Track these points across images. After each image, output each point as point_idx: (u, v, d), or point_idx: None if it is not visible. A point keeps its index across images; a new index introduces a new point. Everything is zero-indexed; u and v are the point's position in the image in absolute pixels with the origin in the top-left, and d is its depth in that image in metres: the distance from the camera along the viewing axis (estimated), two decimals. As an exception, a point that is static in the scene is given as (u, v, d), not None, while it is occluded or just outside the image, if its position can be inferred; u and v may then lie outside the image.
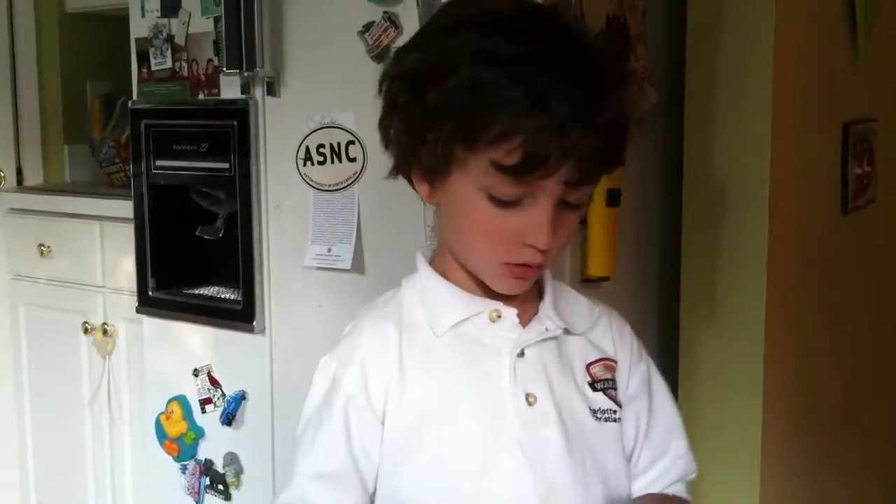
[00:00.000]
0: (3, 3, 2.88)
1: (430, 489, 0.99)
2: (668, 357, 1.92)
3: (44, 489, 2.69)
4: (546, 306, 1.04)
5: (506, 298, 1.02)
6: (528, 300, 1.04)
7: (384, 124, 1.00)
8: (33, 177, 2.93)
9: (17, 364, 2.68)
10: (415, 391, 1.00)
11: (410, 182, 1.02)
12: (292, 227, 1.82)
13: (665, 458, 1.11)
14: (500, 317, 1.02)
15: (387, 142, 1.00)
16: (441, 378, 1.01)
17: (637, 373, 1.10)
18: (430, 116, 0.93)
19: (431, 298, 1.03)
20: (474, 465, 0.99)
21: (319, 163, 1.75)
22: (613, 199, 1.64)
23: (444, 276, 1.04)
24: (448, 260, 1.04)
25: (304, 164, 1.78)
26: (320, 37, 1.74)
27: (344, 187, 1.73)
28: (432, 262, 1.06)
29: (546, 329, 1.03)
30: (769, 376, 1.81)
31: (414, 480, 1.00)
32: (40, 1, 2.90)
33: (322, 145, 1.74)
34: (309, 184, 1.78)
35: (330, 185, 1.75)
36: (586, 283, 1.68)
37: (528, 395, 1.00)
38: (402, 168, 1.01)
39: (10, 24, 2.90)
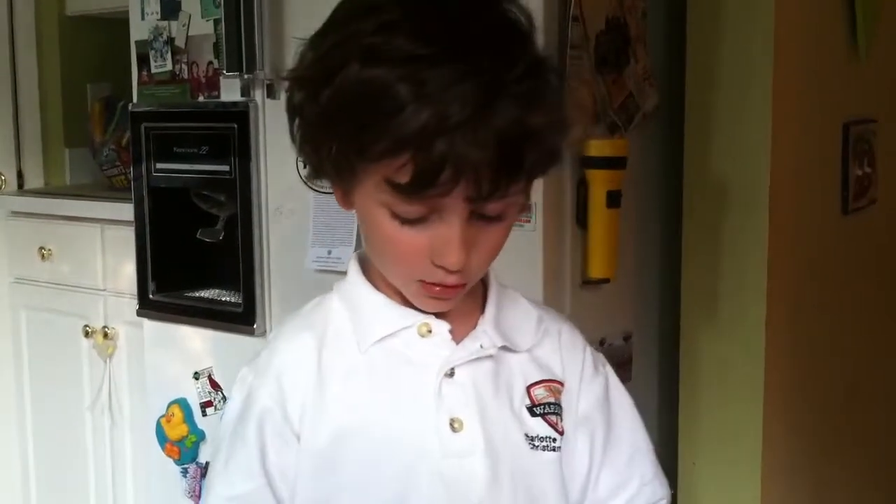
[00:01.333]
0: (3, 6, 2.88)
1: None
2: (668, 358, 1.92)
3: (45, 492, 2.69)
4: (485, 321, 0.95)
5: (437, 312, 0.93)
6: (466, 313, 0.95)
7: (291, 126, 0.92)
8: (34, 180, 2.93)
9: (18, 367, 2.69)
10: (332, 410, 0.92)
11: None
12: (292, 229, 1.82)
13: (631, 484, 1.01)
14: (430, 332, 0.93)
15: (297, 146, 0.92)
16: (361, 397, 0.92)
17: (590, 391, 1.00)
18: (323, 124, 0.86)
19: (358, 309, 0.95)
20: (390, 493, 0.91)
21: (319, 165, 1.75)
22: (613, 200, 1.64)
23: (375, 282, 0.95)
24: (375, 268, 0.95)
25: (305, 167, 1.77)
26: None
27: (344, 189, 1.73)
28: (364, 268, 0.97)
29: (481, 346, 0.93)
30: (770, 377, 1.80)
31: (334, 502, 0.92)
32: (41, 4, 2.90)
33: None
34: (309, 186, 1.78)
35: (330, 188, 1.75)
36: (587, 285, 1.68)
37: (452, 421, 0.91)
38: (317, 173, 0.93)
39: (11, 27, 2.90)
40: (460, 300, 0.93)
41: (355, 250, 1.72)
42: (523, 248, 1.54)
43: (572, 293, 1.66)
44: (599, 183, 1.63)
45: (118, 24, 2.22)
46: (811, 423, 2.01)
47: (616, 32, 1.68)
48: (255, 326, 1.89)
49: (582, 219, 1.65)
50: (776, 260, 1.79)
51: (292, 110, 0.91)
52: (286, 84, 0.92)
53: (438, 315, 0.93)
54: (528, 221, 1.56)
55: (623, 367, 1.73)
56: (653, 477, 1.03)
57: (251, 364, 0.98)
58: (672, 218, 1.88)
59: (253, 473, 0.94)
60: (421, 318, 0.93)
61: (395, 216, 0.85)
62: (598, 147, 1.64)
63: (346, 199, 0.91)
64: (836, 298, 2.07)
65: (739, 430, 1.83)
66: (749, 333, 1.80)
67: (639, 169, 1.77)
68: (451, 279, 0.87)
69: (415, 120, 0.79)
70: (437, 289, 0.89)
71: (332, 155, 0.86)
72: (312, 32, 0.93)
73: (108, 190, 2.67)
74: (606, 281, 1.69)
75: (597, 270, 1.66)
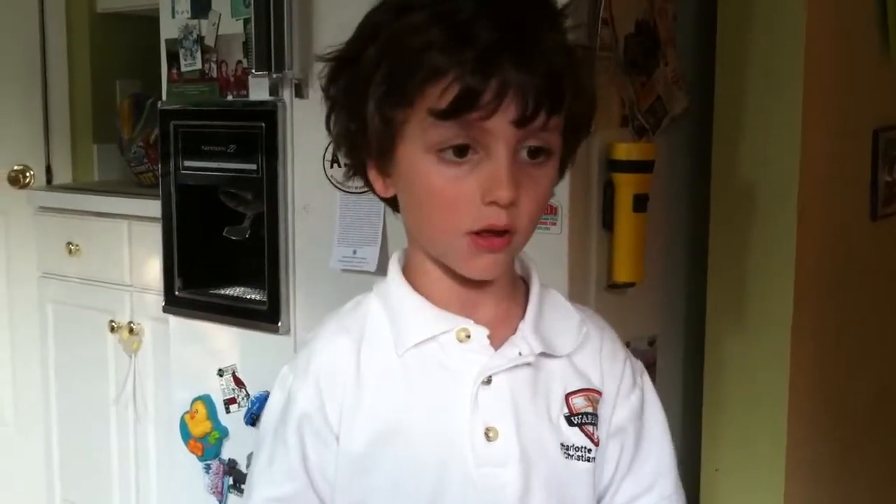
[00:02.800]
0: (34, 3, 2.91)
1: None
2: (693, 363, 1.91)
3: (69, 486, 2.71)
4: (525, 325, 0.94)
5: (478, 315, 0.93)
6: (506, 317, 0.94)
7: (330, 123, 0.94)
8: (63, 175, 2.96)
9: (45, 361, 2.71)
10: (368, 413, 0.92)
11: (369, 189, 0.96)
12: (318, 228, 1.83)
13: (649, 496, 1.00)
14: (468, 337, 0.92)
15: (338, 142, 0.94)
16: (397, 401, 0.92)
17: (626, 404, 0.99)
18: (362, 89, 0.87)
19: (397, 311, 0.94)
20: (423, 498, 0.91)
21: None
22: (640, 204, 1.63)
23: (415, 283, 0.95)
24: (417, 264, 0.95)
25: (331, 167, 1.78)
26: (349, 39, 1.74)
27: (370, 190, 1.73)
28: (405, 268, 0.97)
29: (519, 354, 0.92)
30: (795, 382, 1.79)
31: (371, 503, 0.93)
32: (71, 1, 2.93)
33: (349, 147, 1.74)
34: (336, 186, 1.78)
35: (356, 188, 1.75)
36: (612, 288, 1.67)
37: (488, 430, 0.90)
38: (356, 165, 0.94)
39: (42, 24, 2.93)
40: (504, 272, 0.92)
41: (381, 250, 1.73)
42: (549, 250, 1.54)
43: (597, 296, 1.65)
44: (626, 186, 1.63)
45: (148, 21, 2.24)
46: (835, 429, 1.99)
47: (645, 35, 1.68)
48: (279, 324, 1.89)
49: (608, 222, 1.64)
50: (803, 265, 1.77)
51: (333, 104, 0.93)
52: (323, 69, 0.93)
53: (477, 319, 0.93)
54: (555, 224, 1.56)
55: (647, 371, 1.72)
56: (672, 492, 1.02)
57: (291, 364, 0.99)
58: (699, 222, 1.87)
59: (296, 474, 0.94)
60: (459, 323, 0.92)
61: (442, 159, 0.85)
62: (625, 150, 1.63)
63: (389, 180, 0.92)
64: (862, 304, 2.05)
65: (763, 435, 1.81)
66: (775, 338, 1.79)
67: (666, 172, 1.77)
68: (502, 218, 0.85)
69: (453, 46, 0.82)
70: (485, 240, 0.87)
71: (375, 110, 0.87)
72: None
73: (135, 186, 2.69)
74: (632, 285, 1.68)
75: (622, 274, 1.66)
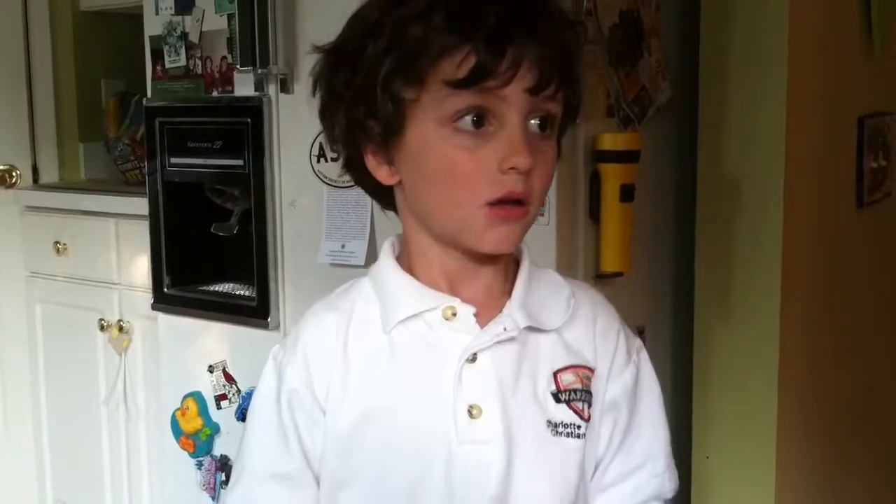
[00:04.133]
0: (17, 2, 2.89)
1: (366, 495, 0.94)
2: (682, 352, 1.92)
3: (61, 486, 2.70)
4: (512, 302, 0.95)
5: (466, 293, 0.94)
6: (495, 295, 0.95)
7: (327, 116, 0.94)
8: (49, 174, 2.95)
9: (34, 361, 2.70)
10: (355, 393, 0.94)
11: (360, 183, 0.97)
12: (306, 223, 1.83)
13: (640, 474, 1.01)
14: (454, 315, 0.93)
15: (331, 135, 0.95)
16: (382, 381, 0.94)
17: (619, 380, 0.99)
18: (370, 76, 0.88)
19: (386, 290, 0.96)
20: (406, 478, 0.92)
21: (333, 159, 1.75)
22: (626, 194, 1.64)
23: (408, 267, 0.96)
24: (414, 249, 0.96)
25: (318, 161, 1.78)
26: (333, 34, 1.74)
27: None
28: (400, 253, 0.99)
29: (504, 329, 0.93)
30: (784, 372, 1.80)
31: (352, 483, 0.95)
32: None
33: (335, 142, 1.74)
34: (322, 180, 1.78)
35: (343, 182, 1.75)
36: (600, 278, 1.68)
37: (471, 408, 0.91)
38: (355, 157, 0.95)
39: (25, 23, 2.91)
40: (518, 243, 0.94)
41: (370, 244, 1.73)
42: (537, 241, 1.52)
43: (585, 287, 1.66)
44: (612, 177, 1.63)
45: (132, 19, 2.23)
46: (825, 417, 2.00)
47: (629, 26, 1.68)
48: (269, 320, 1.89)
49: (595, 213, 1.65)
50: (791, 253, 1.78)
51: (330, 95, 0.93)
52: (317, 63, 0.94)
53: (465, 297, 0.94)
54: (542, 216, 1.56)
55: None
56: (663, 470, 1.03)
57: (281, 343, 1.01)
58: (686, 211, 1.88)
59: (293, 454, 0.96)
60: (446, 301, 0.93)
61: (457, 131, 0.87)
62: (611, 140, 1.63)
63: (393, 167, 0.92)
64: (850, 291, 2.06)
65: (753, 424, 1.82)
66: (763, 327, 1.80)
67: (652, 162, 1.77)
68: (520, 185, 0.87)
69: (469, 16, 0.85)
70: (504, 210, 0.88)
71: (382, 94, 0.88)
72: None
73: (122, 184, 2.68)
74: (620, 275, 1.69)
75: (610, 264, 1.66)
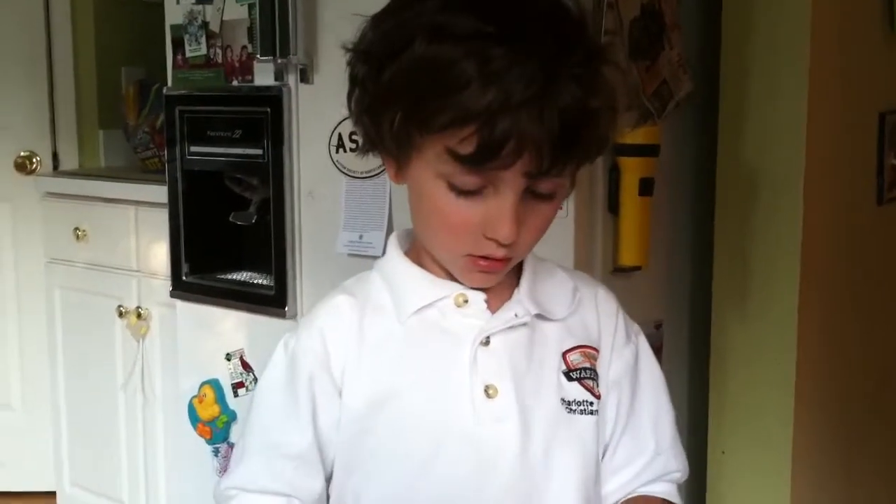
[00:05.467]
0: (39, -11, 2.91)
1: (378, 478, 0.95)
2: (699, 346, 1.91)
3: (78, 470, 2.72)
4: (521, 291, 0.97)
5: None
6: (502, 284, 0.97)
7: (350, 99, 0.94)
8: (69, 161, 2.96)
9: (53, 347, 2.72)
10: (369, 376, 0.95)
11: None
12: (324, 213, 1.83)
13: (645, 453, 1.02)
14: (466, 302, 0.95)
15: (354, 118, 0.94)
16: (397, 365, 0.95)
17: (620, 358, 1.01)
18: (386, 97, 0.88)
19: (397, 282, 0.98)
20: (422, 457, 0.93)
21: (352, 150, 1.76)
22: (646, 188, 1.63)
23: (416, 259, 0.98)
24: (421, 241, 0.97)
25: (337, 151, 1.79)
26: (353, 24, 1.74)
27: (376, 174, 1.73)
28: (410, 245, 1.00)
29: (515, 315, 0.96)
30: (801, 367, 1.80)
31: (364, 467, 0.96)
32: (76, -13, 2.93)
33: (354, 132, 1.72)
34: (341, 171, 1.79)
35: (362, 173, 1.76)
36: (618, 272, 1.67)
37: (487, 388, 0.93)
38: (370, 146, 0.95)
39: (46, 10, 2.93)
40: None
41: (388, 234, 1.73)
42: (555, 235, 1.52)
43: (603, 280, 1.64)
44: (632, 170, 1.63)
45: (153, 7, 2.24)
46: (841, 412, 2.00)
47: (650, 19, 1.68)
48: (286, 309, 1.90)
49: (614, 206, 1.65)
50: (809, 248, 1.77)
51: (353, 82, 0.92)
52: (348, 56, 0.93)
53: (475, 286, 0.95)
54: (561, 208, 1.56)
55: (654, 356, 1.73)
56: (668, 447, 1.04)
57: (293, 331, 1.01)
58: (705, 206, 1.87)
59: (306, 432, 0.96)
60: (458, 289, 0.95)
61: (452, 188, 0.87)
62: (630, 134, 1.63)
63: (400, 173, 0.93)
64: (868, 287, 2.06)
65: (769, 418, 1.82)
66: (780, 322, 1.79)
67: (671, 156, 1.77)
68: (500, 252, 0.89)
69: (481, 95, 0.81)
70: (485, 262, 0.90)
71: (394, 127, 0.88)
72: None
73: (141, 172, 2.69)
74: (638, 268, 1.69)
75: (628, 258, 1.66)
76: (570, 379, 0.97)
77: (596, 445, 0.99)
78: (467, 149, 0.83)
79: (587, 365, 0.98)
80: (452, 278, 0.96)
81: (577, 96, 0.84)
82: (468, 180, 0.86)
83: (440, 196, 0.88)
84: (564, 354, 0.98)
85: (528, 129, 0.82)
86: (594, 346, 1.00)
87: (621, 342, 1.02)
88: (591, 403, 0.98)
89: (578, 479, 0.96)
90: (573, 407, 0.96)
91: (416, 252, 0.99)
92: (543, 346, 0.97)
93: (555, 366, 0.97)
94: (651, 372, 1.05)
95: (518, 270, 0.98)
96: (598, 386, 0.99)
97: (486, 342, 0.95)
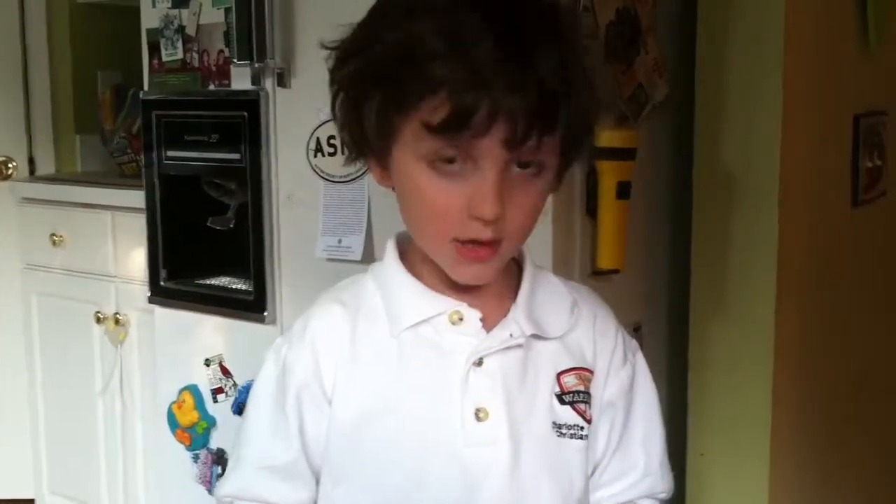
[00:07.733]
0: (14, -6, 2.89)
1: (364, 493, 0.95)
2: (678, 349, 1.92)
3: (56, 478, 2.71)
4: (517, 307, 0.95)
5: (471, 298, 0.94)
6: (499, 298, 0.96)
7: (334, 105, 0.94)
8: (45, 166, 2.95)
9: (30, 353, 2.70)
10: (360, 389, 0.94)
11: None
12: (303, 218, 1.83)
13: (633, 472, 1.02)
14: (461, 319, 0.94)
15: (340, 121, 0.94)
16: (388, 380, 0.94)
17: (616, 380, 1.00)
18: (364, 86, 0.88)
19: (392, 292, 0.96)
20: (406, 476, 0.93)
21: (330, 154, 1.76)
22: (623, 191, 1.64)
23: (412, 265, 0.97)
24: (416, 250, 0.96)
25: (315, 156, 1.78)
26: (331, 28, 1.74)
27: (354, 179, 1.73)
28: (405, 249, 0.98)
29: (510, 335, 0.94)
30: (779, 368, 1.81)
31: (350, 480, 0.95)
32: (51, -9, 2.91)
33: (332, 136, 1.75)
34: (320, 175, 1.78)
35: (341, 177, 1.76)
36: (596, 275, 1.68)
37: (478, 410, 0.92)
38: (356, 150, 0.95)
39: (21, 15, 2.91)
40: (495, 277, 0.93)
41: (367, 239, 1.73)
42: (533, 238, 1.53)
43: (582, 283, 1.66)
44: (609, 174, 1.64)
45: (129, 11, 2.23)
46: (820, 414, 2.01)
47: (626, 23, 1.68)
48: (265, 314, 1.89)
49: (592, 209, 1.65)
50: (786, 251, 1.79)
51: (334, 82, 0.93)
52: (329, 62, 0.93)
53: (471, 302, 0.94)
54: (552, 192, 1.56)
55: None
56: (657, 469, 1.04)
57: (286, 334, 1.01)
58: (682, 209, 1.88)
59: (292, 442, 0.96)
60: (453, 306, 0.94)
61: (433, 167, 0.86)
62: (607, 138, 1.63)
63: (385, 172, 0.93)
64: (845, 289, 2.07)
65: (748, 420, 1.83)
66: (758, 324, 1.80)
67: (648, 160, 1.77)
68: (486, 233, 0.87)
69: (449, 63, 0.82)
70: (472, 251, 0.88)
71: (373, 112, 0.88)
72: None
73: (118, 177, 2.68)
74: (616, 271, 1.69)
75: (606, 261, 1.66)
76: (562, 402, 0.96)
77: (584, 469, 0.98)
78: (439, 117, 0.83)
79: (581, 388, 0.97)
80: (448, 290, 0.94)
81: (553, 62, 0.83)
82: (446, 153, 0.85)
83: (423, 180, 0.87)
84: (559, 376, 0.96)
85: (500, 95, 0.81)
86: (589, 367, 0.98)
87: (618, 363, 1.01)
88: (582, 428, 0.97)
89: (572, 500, 0.96)
90: (563, 431, 0.96)
91: (412, 257, 0.97)
92: (537, 367, 0.96)
93: (548, 387, 0.96)
94: (646, 392, 1.04)
95: (516, 281, 0.97)
96: (590, 409, 0.98)
97: (480, 363, 0.93)
